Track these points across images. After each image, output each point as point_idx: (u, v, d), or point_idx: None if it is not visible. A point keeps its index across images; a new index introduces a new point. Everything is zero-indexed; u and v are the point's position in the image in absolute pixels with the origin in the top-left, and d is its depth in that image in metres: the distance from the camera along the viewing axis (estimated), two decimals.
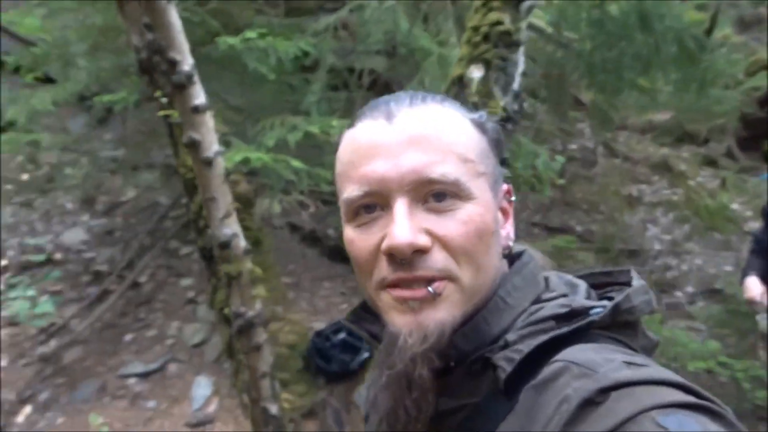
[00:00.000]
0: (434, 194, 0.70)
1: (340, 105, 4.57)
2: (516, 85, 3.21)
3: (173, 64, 2.59)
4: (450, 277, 0.70)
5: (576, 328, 0.69)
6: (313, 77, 4.53)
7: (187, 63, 2.62)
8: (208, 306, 3.79)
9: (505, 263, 0.80)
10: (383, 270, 0.70)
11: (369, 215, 0.72)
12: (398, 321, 0.71)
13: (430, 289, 0.69)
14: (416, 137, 0.70)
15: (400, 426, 0.71)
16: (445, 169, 0.69)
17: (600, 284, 0.81)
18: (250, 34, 3.81)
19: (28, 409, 3.72)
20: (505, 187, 0.81)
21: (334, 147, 0.80)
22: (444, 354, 0.70)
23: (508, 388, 0.67)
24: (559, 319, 0.71)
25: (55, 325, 4.28)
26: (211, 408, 3.57)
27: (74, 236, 5.19)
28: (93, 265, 4.83)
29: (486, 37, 3.23)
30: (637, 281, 0.76)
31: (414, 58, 4.34)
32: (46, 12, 4.12)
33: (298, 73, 4.63)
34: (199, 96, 2.68)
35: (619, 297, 0.72)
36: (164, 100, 2.91)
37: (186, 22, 4.17)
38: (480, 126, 0.77)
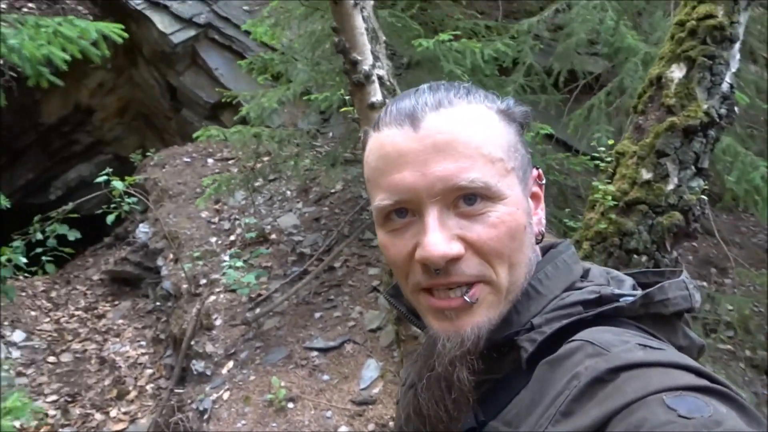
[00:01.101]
0: (464, 198, 0.70)
1: (533, 107, 4.44)
2: (725, 86, 2.79)
3: (354, 64, 2.80)
4: (484, 280, 0.71)
5: (601, 312, 0.69)
6: (509, 79, 4.47)
7: (367, 63, 2.80)
8: (384, 293, 4.01)
9: (538, 250, 0.80)
10: (417, 275, 0.72)
11: (401, 220, 0.73)
12: (436, 326, 0.73)
13: (466, 298, 0.70)
14: (442, 144, 0.70)
15: (443, 426, 0.74)
16: (473, 174, 0.69)
17: (651, 283, 0.77)
18: (444, 36, 3.90)
19: (230, 364, 4.35)
20: (535, 172, 0.80)
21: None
22: (476, 344, 0.72)
23: (529, 367, 0.68)
24: (587, 304, 0.71)
25: (262, 296, 4.91)
26: (376, 390, 3.77)
27: (288, 220, 5.87)
28: (299, 247, 5.42)
29: (692, 33, 2.87)
30: (682, 277, 0.74)
31: (617, 57, 4.01)
32: (275, 21, 4.74)
33: (495, 75, 4.61)
34: (376, 94, 2.85)
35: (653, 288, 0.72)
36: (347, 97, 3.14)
37: (390, 26, 4.44)
38: (507, 115, 0.76)
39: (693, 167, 2.81)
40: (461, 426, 0.74)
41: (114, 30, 3.10)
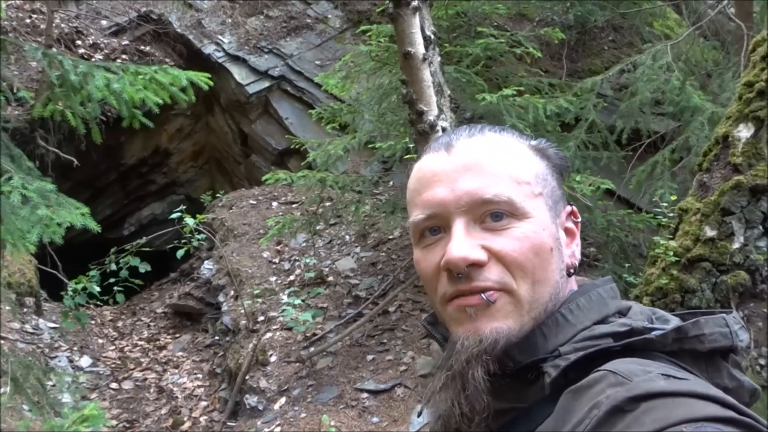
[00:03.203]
0: (491, 215, 0.74)
1: (594, 163, 4.46)
2: None
3: (420, 114, 2.94)
4: (505, 289, 0.74)
5: (630, 344, 0.69)
6: (570, 135, 4.53)
7: (432, 114, 2.94)
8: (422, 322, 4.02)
9: (572, 282, 0.81)
10: (444, 285, 0.76)
11: (433, 237, 0.78)
12: (458, 330, 0.76)
13: (483, 296, 0.73)
14: (471, 164, 0.76)
15: (455, 423, 0.74)
16: (498, 189, 0.74)
17: None
18: (508, 91, 4.03)
19: (282, 400, 4.43)
20: (568, 208, 0.83)
21: None
22: (501, 362, 0.74)
23: (553, 395, 0.69)
24: (618, 336, 0.70)
25: (316, 336, 5.01)
26: None
27: (346, 264, 6.01)
28: (355, 290, 5.52)
29: (761, 94, 2.88)
30: (728, 316, 0.72)
31: (682, 116, 4.02)
32: (345, 74, 5.03)
33: (558, 131, 4.68)
34: None
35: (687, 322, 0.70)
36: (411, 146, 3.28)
37: (455, 81, 4.61)
38: (539, 151, 0.82)
39: (761, 227, 2.77)
40: None
41: (202, 78, 3.38)
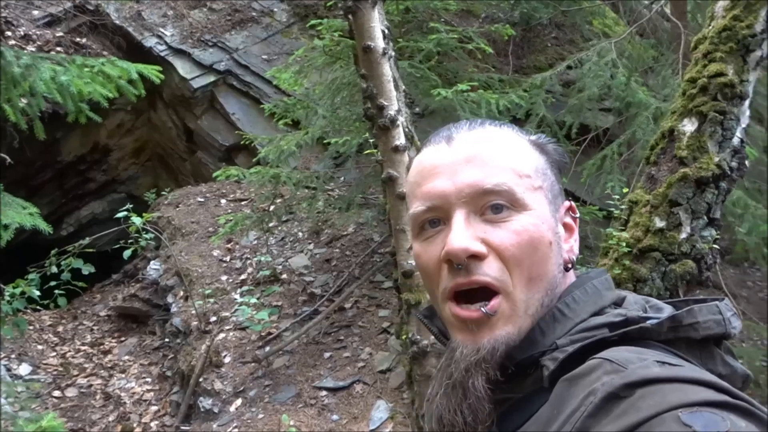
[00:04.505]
0: (491, 206, 0.74)
1: None
2: (736, 140, 2.91)
3: (381, 108, 2.93)
4: (502, 291, 0.73)
5: (626, 333, 0.69)
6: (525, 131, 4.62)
7: (393, 109, 2.94)
8: (395, 335, 4.03)
9: (569, 276, 0.81)
10: (444, 278, 0.76)
11: (433, 229, 0.78)
12: (458, 336, 0.76)
13: (484, 310, 0.73)
14: (472, 156, 0.76)
15: (458, 430, 0.74)
16: (499, 179, 0.74)
17: None
18: (462, 86, 4.07)
19: (239, 402, 4.34)
20: (567, 203, 0.83)
21: None
22: (502, 366, 0.74)
23: (551, 386, 0.69)
24: (613, 326, 0.71)
25: (272, 335, 4.93)
26: (386, 431, 3.75)
27: (299, 261, 5.94)
28: (310, 287, 5.47)
29: (704, 89, 3.01)
30: (721, 304, 0.73)
31: (628, 111, 4.17)
32: (298, 69, 4.95)
33: None
34: (399, 138, 2.98)
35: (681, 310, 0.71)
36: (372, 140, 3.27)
37: (410, 76, 4.63)
38: (539, 146, 0.82)
39: (705, 217, 2.90)
40: None
41: (152, 71, 3.26)
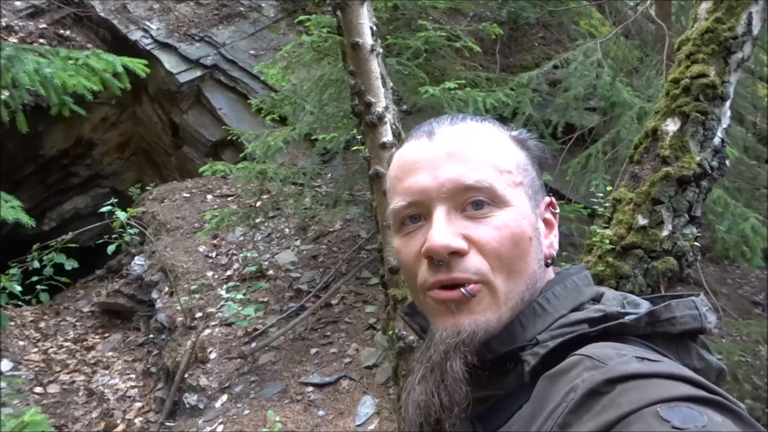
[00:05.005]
0: (472, 203, 0.75)
1: None
2: (717, 140, 2.97)
3: (368, 105, 2.94)
4: (484, 281, 0.74)
5: (606, 329, 0.71)
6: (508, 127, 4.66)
7: (380, 105, 2.95)
8: (382, 331, 4.05)
9: (549, 272, 0.83)
10: (424, 273, 0.76)
11: (414, 225, 0.78)
12: (438, 322, 0.77)
13: (463, 290, 0.73)
14: (453, 151, 0.77)
15: (434, 414, 0.74)
16: (480, 176, 0.75)
17: None
18: (450, 84, 4.09)
19: (224, 398, 4.33)
20: (547, 199, 0.84)
21: None
22: (480, 354, 0.74)
23: (532, 382, 0.70)
24: (593, 322, 0.73)
25: (258, 331, 4.92)
26: (371, 427, 3.77)
27: (286, 257, 5.93)
28: (296, 283, 5.47)
29: (686, 90, 3.06)
30: (696, 299, 0.75)
31: (613, 111, 4.22)
32: (286, 65, 4.94)
33: None
34: (387, 134, 2.99)
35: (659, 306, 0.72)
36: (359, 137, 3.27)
37: (398, 74, 4.64)
38: (520, 142, 0.83)
39: (686, 215, 2.95)
40: None
41: (138, 65, 3.24)
